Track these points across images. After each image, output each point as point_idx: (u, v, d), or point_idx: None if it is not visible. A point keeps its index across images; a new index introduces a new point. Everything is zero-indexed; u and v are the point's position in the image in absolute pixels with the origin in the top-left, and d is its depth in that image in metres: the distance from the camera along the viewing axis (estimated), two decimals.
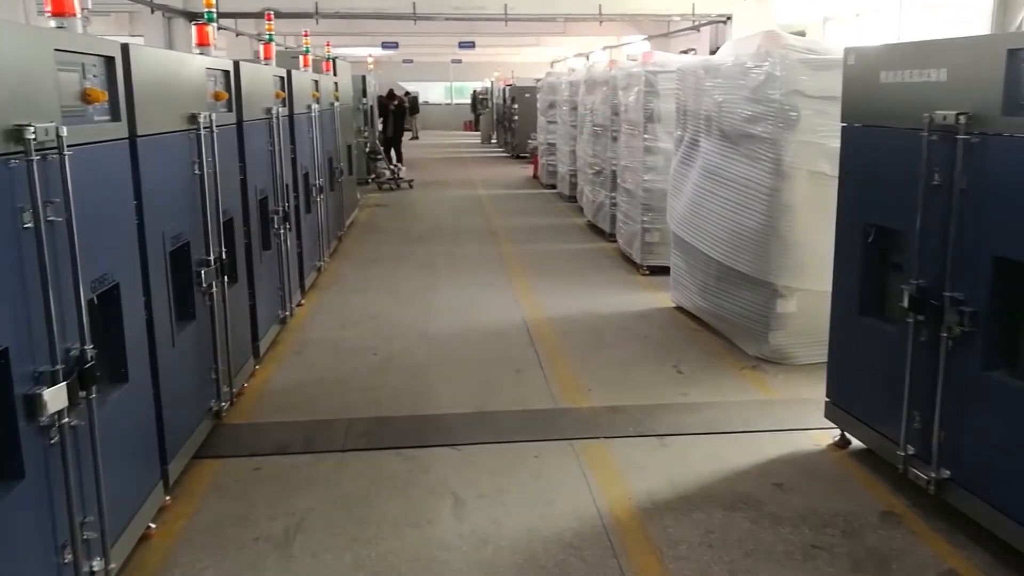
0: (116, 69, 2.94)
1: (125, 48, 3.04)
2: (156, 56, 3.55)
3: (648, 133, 7.68)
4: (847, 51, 3.83)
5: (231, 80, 4.70)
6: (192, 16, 16.12)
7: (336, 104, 9.41)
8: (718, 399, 4.79)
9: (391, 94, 18.98)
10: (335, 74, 10.23)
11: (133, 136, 3.13)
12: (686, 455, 4.06)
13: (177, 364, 3.60)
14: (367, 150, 15.76)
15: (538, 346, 5.79)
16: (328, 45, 10.44)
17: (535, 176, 16.87)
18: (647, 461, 3.99)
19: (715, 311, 5.90)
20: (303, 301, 6.98)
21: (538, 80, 25.97)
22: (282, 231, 5.87)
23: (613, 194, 9.56)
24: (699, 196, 5.96)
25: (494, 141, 28.47)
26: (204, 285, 3.93)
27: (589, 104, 10.50)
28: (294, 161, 6.74)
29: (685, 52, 17.76)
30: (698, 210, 5.98)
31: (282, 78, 6.44)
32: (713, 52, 15.04)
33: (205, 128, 3.95)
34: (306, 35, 8.68)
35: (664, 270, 7.78)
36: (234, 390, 4.45)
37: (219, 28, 17.42)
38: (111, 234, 2.94)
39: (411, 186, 15.72)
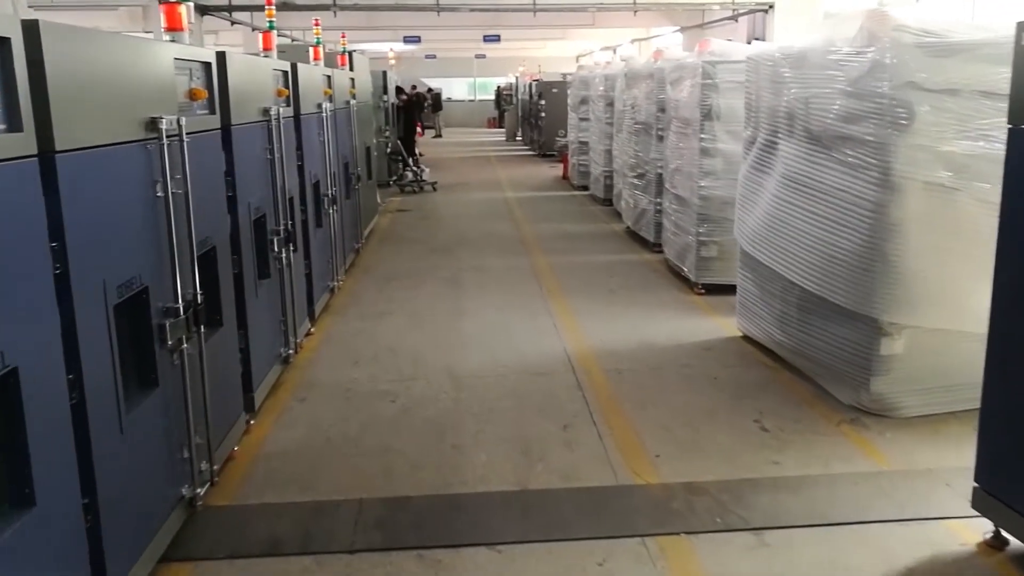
0: (12, 57, 2.05)
1: (30, 26, 2.14)
2: (86, 40, 2.56)
3: (705, 132, 6.71)
4: (1022, 25, 2.85)
5: (214, 75, 3.82)
6: (204, 9, 15.32)
7: (353, 102, 8.55)
8: (819, 470, 3.83)
9: (400, 89, 18.10)
10: (351, 69, 9.35)
11: (47, 152, 2.25)
12: (794, 561, 3.12)
13: (128, 454, 2.72)
14: (388, 151, 14.92)
15: (587, 391, 4.86)
16: (343, 37, 9.58)
17: (565, 176, 15.92)
18: (747, 572, 3.05)
19: (797, 347, 4.93)
20: (313, 330, 6.11)
21: (565, 75, 24.99)
22: (284, 254, 5.00)
23: (658, 200, 8.59)
24: (779, 209, 4.98)
25: (519, 138, 27.54)
26: (170, 342, 3.05)
27: (629, 99, 9.52)
28: (301, 169, 5.87)
29: None
30: (777, 226, 5.01)
31: (286, 73, 5.56)
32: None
33: (171, 136, 3.06)
34: (317, 24, 7.80)
35: (722, 289, 6.82)
36: (215, 467, 3.56)
37: (233, 23, 16.64)
38: (8, 297, 2.06)
39: (435, 188, 14.84)
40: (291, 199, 5.25)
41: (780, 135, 5.04)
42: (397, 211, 12.48)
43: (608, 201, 12.14)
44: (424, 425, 4.41)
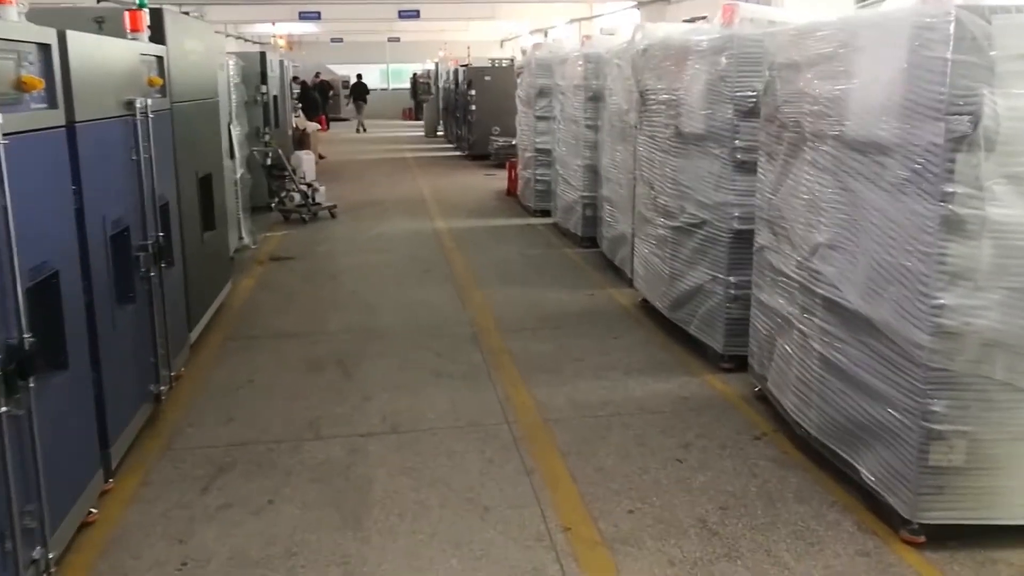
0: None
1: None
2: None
3: (958, 179, 2.77)
4: None
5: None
6: None
7: (150, 102, 4.16)
8: None
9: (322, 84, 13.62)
10: (159, 40, 4.93)
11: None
12: None
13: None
14: (267, 163, 10.48)
15: None
16: None
17: (511, 192, 11.88)
18: None
19: None
20: None
21: (495, 60, 20.82)
22: None
23: (734, 279, 4.69)
24: None
25: (441, 134, 23.29)
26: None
27: (655, 94, 5.54)
28: None
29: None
30: None
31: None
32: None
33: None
34: None
35: (968, 534, 2.99)
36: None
37: None
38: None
39: (333, 215, 10.52)
40: None
41: None
42: (272, 261, 8.13)
43: (590, 241, 8.20)
44: None
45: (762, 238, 4.25)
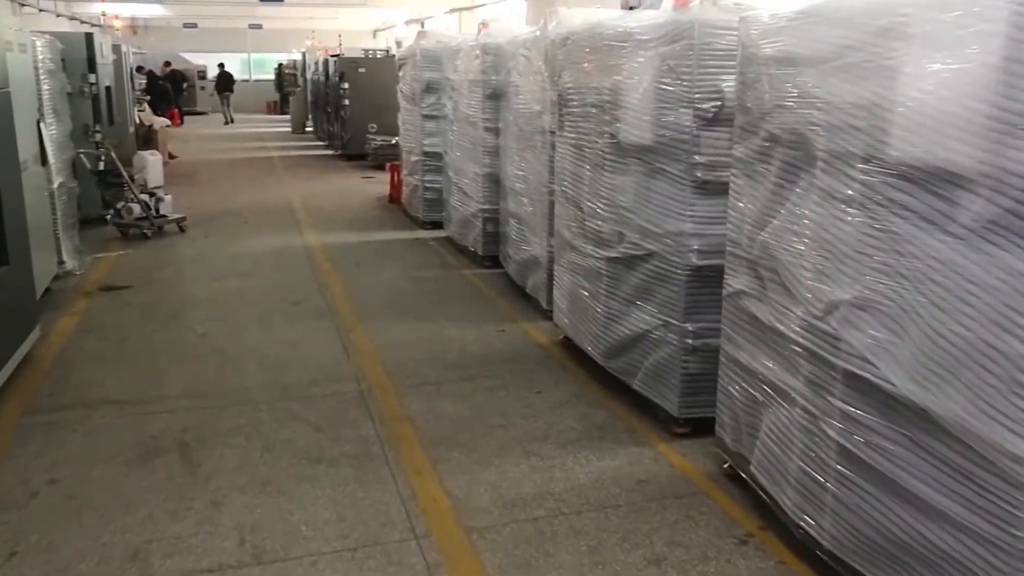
0: None
1: None
2: None
3: None
4: None
5: None
6: None
7: None
8: None
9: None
10: None
11: None
12: None
13: None
14: (99, 167, 8.70)
15: None
16: None
17: (394, 199, 10.63)
18: None
19: None
20: None
21: (369, 51, 19.34)
22: None
23: (689, 325, 3.79)
24: None
25: (310, 130, 21.51)
26: None
27: (581, 94, 4.54)
28: None
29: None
30: None
31: None
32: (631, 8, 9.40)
33: None
34: None
35: None
36: None
37: None
38: None
39: (182, 229, 8.90)
40: None
41: None
42: (101, 291, 6.53)
43: (492, 260, 7.15)
44: None
45: (738, 281, 3.33)
